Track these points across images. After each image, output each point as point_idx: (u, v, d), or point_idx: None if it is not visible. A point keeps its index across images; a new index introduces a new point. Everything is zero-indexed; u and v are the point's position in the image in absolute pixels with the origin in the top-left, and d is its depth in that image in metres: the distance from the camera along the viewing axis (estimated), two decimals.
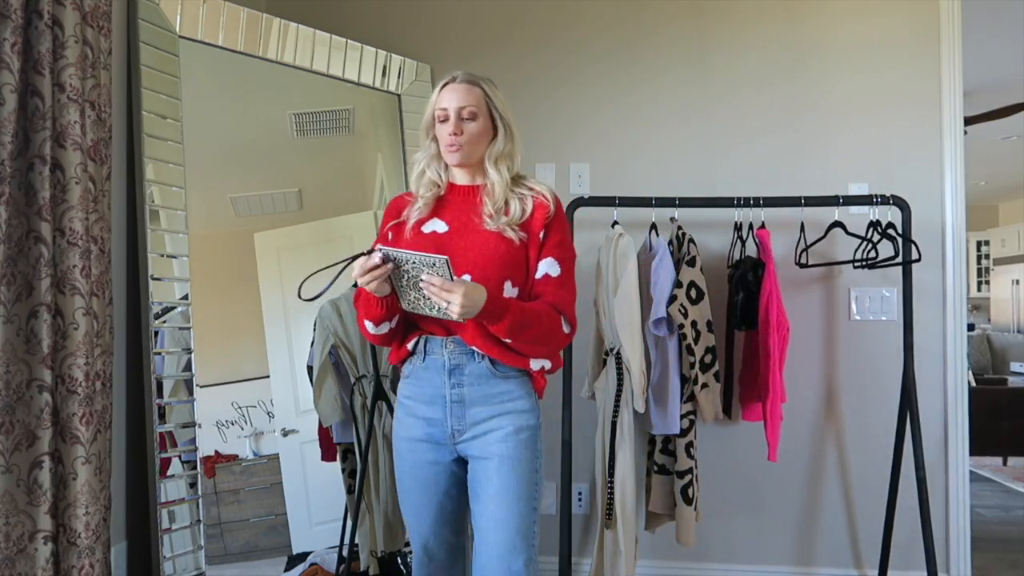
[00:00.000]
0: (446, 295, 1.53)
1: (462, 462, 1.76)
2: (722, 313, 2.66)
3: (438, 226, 1.75)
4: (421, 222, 1.76)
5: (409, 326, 1.77)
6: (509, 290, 1.70)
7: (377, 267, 1.56)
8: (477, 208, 1.75)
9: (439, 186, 1.80)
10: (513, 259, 1.71)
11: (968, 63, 2.85)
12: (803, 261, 2.60)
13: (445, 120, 1.74)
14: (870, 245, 2.55)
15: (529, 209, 1.74)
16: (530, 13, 2.97)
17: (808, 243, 2.63)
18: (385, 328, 1.73)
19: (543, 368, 1.76)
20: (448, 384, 1.72)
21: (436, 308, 1.59)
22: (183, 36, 2.29)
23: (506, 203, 1.74)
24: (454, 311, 1.54)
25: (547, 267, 1.73)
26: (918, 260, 2.48)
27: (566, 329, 1.73)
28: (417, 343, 1.76)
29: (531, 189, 1.78)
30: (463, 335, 1.70)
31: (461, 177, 1.80)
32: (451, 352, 1.72)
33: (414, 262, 1.54)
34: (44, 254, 1.73)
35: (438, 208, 1.78)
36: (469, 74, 1.77)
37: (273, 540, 2.34)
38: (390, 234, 1.79)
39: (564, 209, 1.83)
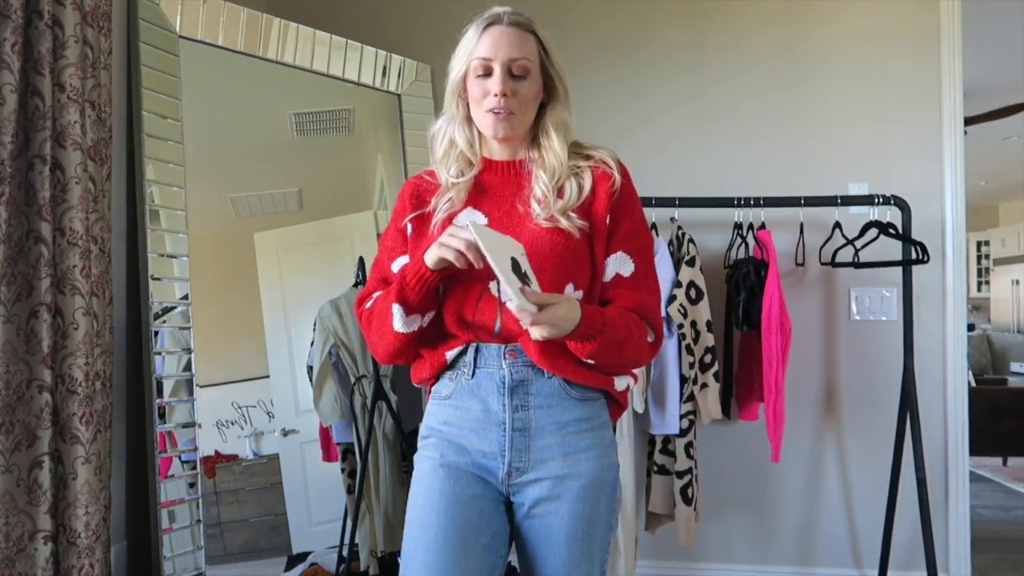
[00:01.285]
0: (529, 322, 1.19)
1: (510, 507, 1.35)
2: (721, 313, 2.66)
3: (475, 218, 1.34)
4: (454, 214, 1.35)
5: (443, 333, 1.36)
6: (570, 293, 1.32)
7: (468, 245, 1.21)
8: (522, 192, 1.36)
9: (473, 164, 1.39)
10: (574, 256, 1.32)
11: (968, 63, 2.85)
12: (825, 261, 2.61)
13: (487, 75, 1.32)
14: (862, 245, 2.55)
15: (588, 186, 1.35)
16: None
17: (806, 243, 2.63)
18: (415, 325, 1.31)
19: (628, 387, 1.40)
20: (508, 407, 1.30)
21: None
22: (183, 36, 2.29)
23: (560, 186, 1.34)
24: (535, 336, 1.22)
25: (617, 265, 1.35)
26: (926, 261, 2.48)
27: (650, 338, 1.35)
28: (462, 353, 1.34)
29: (588, 158, 1.38)
30: (525, 346, 1.31)
31: (500, 151, 1.39)
32: (512, 364, 1.31)
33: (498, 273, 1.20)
34: (44, 254, 1.73)
35: (474, 193, 1.38)
36: (519, 14, 1.36)
37: (273, 540, 2.34)
38: (409, 227, 1.39)
39: (630, 176, 1.41)
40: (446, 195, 1.37)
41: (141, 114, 2.17)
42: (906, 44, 2.79)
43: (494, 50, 1.32)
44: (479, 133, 1.39)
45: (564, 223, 1.31)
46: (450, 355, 1.35)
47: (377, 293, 1.40)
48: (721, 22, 2.89)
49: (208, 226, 2.32)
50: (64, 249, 1.78)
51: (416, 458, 1.39)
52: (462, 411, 1.33)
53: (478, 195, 1.38)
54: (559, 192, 1.33)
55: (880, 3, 2.81)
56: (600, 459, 1.32)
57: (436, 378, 1.39)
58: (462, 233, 1.22)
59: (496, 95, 1.30)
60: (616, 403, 1.41)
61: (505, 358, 1.32)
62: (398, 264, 1.40)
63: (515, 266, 1.20)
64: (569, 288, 1.31)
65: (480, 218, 1.35)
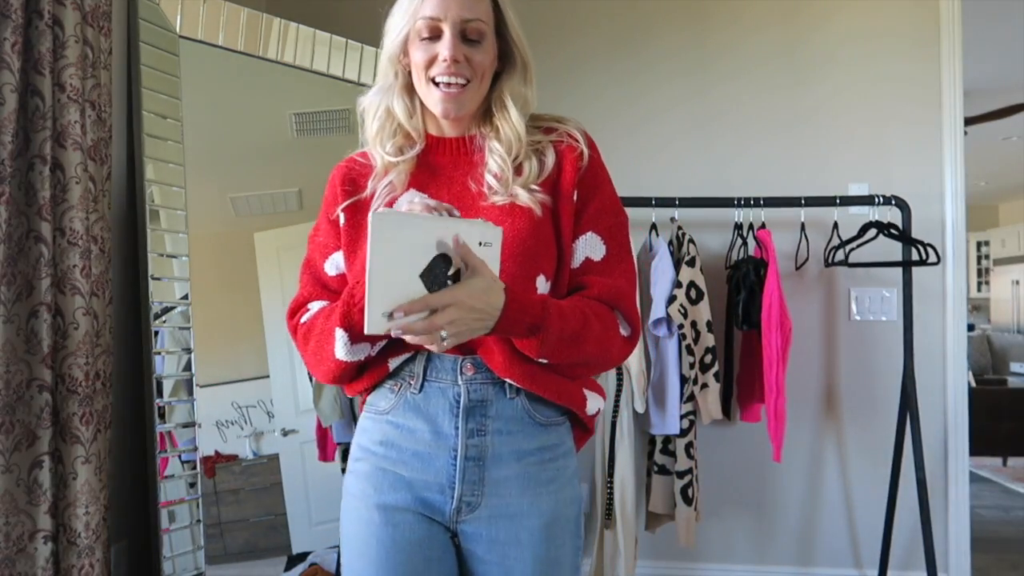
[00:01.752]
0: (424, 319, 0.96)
1: (457, 544, 1.16)
2: (722, 313, 2.66)
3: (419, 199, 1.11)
4: (395, 199, 1.16)
5: (388, 343, 1.14)
6: (543, 286, 1.13)
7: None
8: (475, 170, 1.16)
9: (416, 141, 1.18)
10: (539, 240, 1.11)
11: (968, 63, 2.85)
12: (832, 260, 2.60)
13: (434, 37, 1.11)
14: (852, 247, 2.54)
15: (551, 162, 1.15)
16: (528, 14, 2.97)
17: (807, 244, 2.63)
18: (362, 354, 1.11)
19: (599, 410, 1.21)
20: (463, 430, 1.11)
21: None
22: (183, 36, 2.29)
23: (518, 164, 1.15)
24: (446, 344, 0.99)
25: (587, 248, 1.15)
26: (936, 263, 2.48)
27: (624, 332, 1.14)
28: (408, 364, 1.14)
29: (549, 131, 1.18)
30: (487, 357, 1.11)
31: (448, 126, 1.18)
32: (470, 380, 1.12)
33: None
34: (44, 254, 1.73)
35: (418, 174, 1.17)
36: None
37: (273, 540, 2.34)
38: (342, 217, 1.17)
39: (599, 151, 1.21)
40: (385, 179, 1.16)
41: (141, 114, 2.17)
42: (906, 44, 2.79)
43: (443, 8, 1.10)
44: (421, 104, 1.17)
45: (523, 197, 1.11)
46: (394, 362, 1.14)
47: (315, 303, 1.19)
48: (722, 22, 2.89)
49: (208, 226, 2.32)
50: (64, 249, 1.78)
51: (346, 484, 1.18)
52: (404, 432, 1.13)
53: (425, 176, 1.17)
54: (517, 170, 1.14)
55: (880, 3, 2.81)
56: (561, 493, 1.14)
57: (373, 387, 1.18)
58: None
59: (446, 60, 1.09)
60: (583, 428, 1.22)
61: (461, 372, 1.11)
62: (332, 263, 1.20)
63: (435, 266, 0.96)
64: (540, 281, 1.11)
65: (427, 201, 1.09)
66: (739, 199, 2.54)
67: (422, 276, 0.95)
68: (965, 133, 2.85)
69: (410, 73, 1.15)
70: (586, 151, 1.17)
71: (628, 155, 2.92)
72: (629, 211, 2.51)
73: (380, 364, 1.14)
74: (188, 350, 2.21)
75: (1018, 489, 4.55)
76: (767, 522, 2.84)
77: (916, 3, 2.79)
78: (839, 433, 2.81)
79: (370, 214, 0.93)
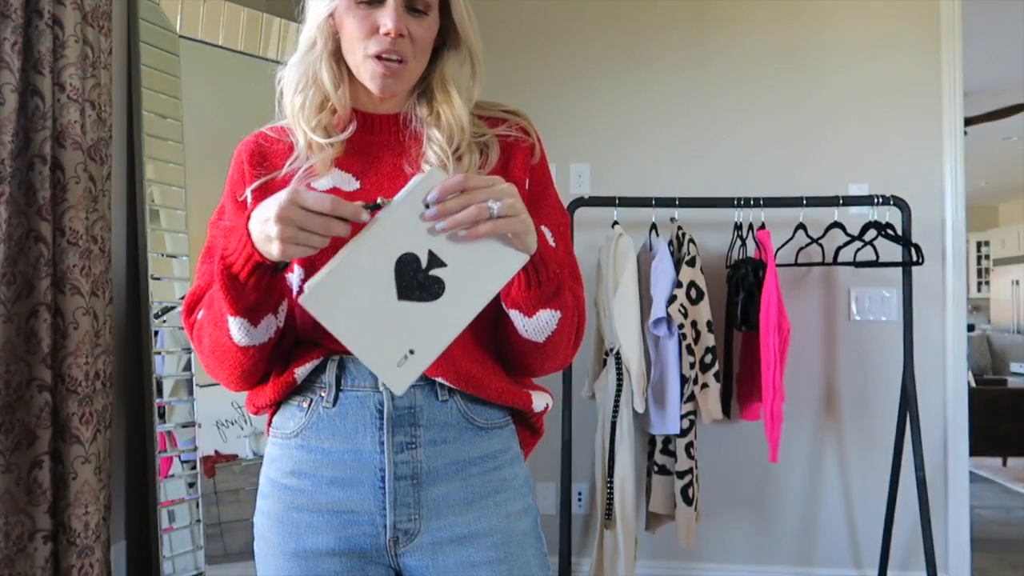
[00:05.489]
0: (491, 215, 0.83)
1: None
2: (722, 313, 2.66)
3: (342, 181, 1.00)
4: (311, 174, 1.00)
5: (293, 339, 1.01)
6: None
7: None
8: (408, 153, 1.02)
9: (344, 119, 1.03)
10: None
11: (968, 63, 2.85)
12: (837, 259, 2.59)
13: (374, 2, 0.96)
14: (862, 245, 2.54)
15: (494, 158, 1.02)
16: (529, 13, 2.97)
17: (818, 245, 2.63)
18: (269, 331, 0.94)
19: (547, 407, 1.07)
20: (389, 445, 0.96)
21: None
22: (183, 36, 2.29)
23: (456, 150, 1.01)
24: (517, 226, 0.85)
25: None
26: (920, 263, 2.48)
27: (575, 335, 1.04)
28: (319, 370, 0.99)
29: (495, 123, 1.05)
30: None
31: (379, 102, 1.04)
32: None
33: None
34: (44, 253, 1.73)
35: (344, 157, 1.02)
36: None
37: None
38: (250, 197, 1.01)
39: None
40: (306, 159, 1.00)
41: (141, 114, 2.18)
42: (906, 44, 2.79)
43: None
44: (348, 74, 1.02)
45: None
46: (301, 372, 0.98)
47: None
48: (722, 22, 2.89)
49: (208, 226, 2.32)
50: (64, 249, 1.78)
51: (256, 526, 1.02)
52: (318, 455, 0.97)
53: (352, 158, 1.02)
54: (456, 156, 1.01)
55: (880, 3, 2.81)
56: (510, 505, 1.00)
57: (278, 405, 1.03)
58: (343, 209, 0.82)
59: (389, 34, 0.95)
60: (531, 430, 1.08)
61: None
62: None
63: (404, 276, 0.82)
64: None
65: (349, 181, 1.00)
66: (739, 199, 2.54)
67: (402, 297, 0.82)
68: (965, 133, 2.85)
69: (338, 38, 1.00)
70: (537, 145, 1.06)
71: (629, 155, 2.92)
72: (629, 211, 2.54)
73: (286, 373, 0.99)
74: (188, 350, 2.21)
75: (1018, 489, 4.56)
76: (767, 522, 2.84)
77: (916, 3, 2.79)
78: (839, 433, 2.81)
79: (300, 299, 0.83)
